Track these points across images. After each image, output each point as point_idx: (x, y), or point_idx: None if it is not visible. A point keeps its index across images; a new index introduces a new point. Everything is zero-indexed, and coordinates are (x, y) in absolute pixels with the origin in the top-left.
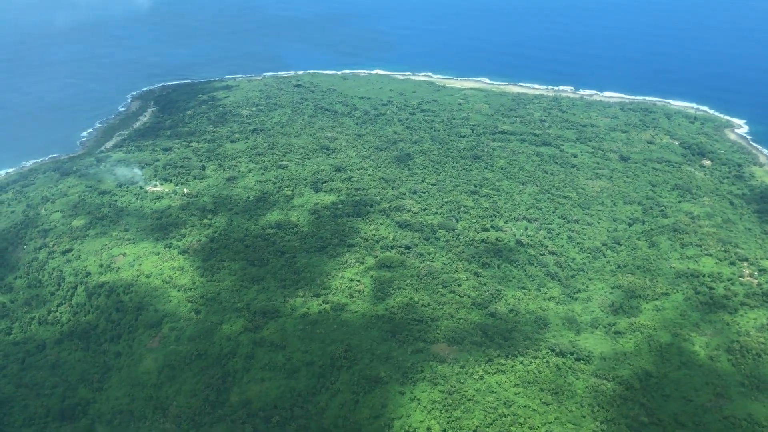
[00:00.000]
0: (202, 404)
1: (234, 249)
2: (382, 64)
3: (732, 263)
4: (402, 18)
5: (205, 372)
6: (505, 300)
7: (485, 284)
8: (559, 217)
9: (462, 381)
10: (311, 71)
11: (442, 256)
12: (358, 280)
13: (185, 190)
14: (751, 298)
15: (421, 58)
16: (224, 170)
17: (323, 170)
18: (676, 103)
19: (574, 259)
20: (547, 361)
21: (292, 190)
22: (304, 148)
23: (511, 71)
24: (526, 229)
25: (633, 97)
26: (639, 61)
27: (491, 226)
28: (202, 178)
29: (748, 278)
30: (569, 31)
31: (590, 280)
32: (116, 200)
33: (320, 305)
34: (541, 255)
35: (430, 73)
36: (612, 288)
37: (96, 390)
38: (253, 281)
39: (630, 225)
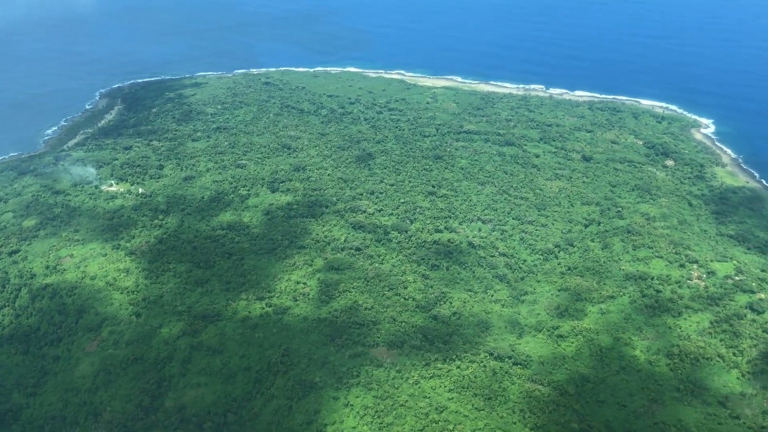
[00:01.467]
0: (136, 410)
1: (182, 250)
2: (355, 62)
3: (682, 265)
4: (380, 16)
5: (141, 377)
6: (450, 303)
7: (432, 286)
8: (513, 218)
9: (397, 386)
10: (283, 69)
11: (393, 257)
12: (304, 283)
13: (140, 190)
14: (696, 301)
15: (395, 56)
16: (182, 170)
17: (282, 170)
18: (646, 103)
19: (525, 260)
20: (485, 366)
21: (249, 190)
22: (265, 147)
23: (484, 70)
24: (480, 230)
25: (603, 96)
26: (611, 61)
27: (445, 228)
28: (158, 178)
29: (697, 281)
30: (544, 30)
31: (538, 282)
32: (70, 200)
33: (263, 309)
34: (492, 257)
35: (402, 71)
36: (559, 290)
37: (30, 395)
38: (197, 284)
39: (586, 226)
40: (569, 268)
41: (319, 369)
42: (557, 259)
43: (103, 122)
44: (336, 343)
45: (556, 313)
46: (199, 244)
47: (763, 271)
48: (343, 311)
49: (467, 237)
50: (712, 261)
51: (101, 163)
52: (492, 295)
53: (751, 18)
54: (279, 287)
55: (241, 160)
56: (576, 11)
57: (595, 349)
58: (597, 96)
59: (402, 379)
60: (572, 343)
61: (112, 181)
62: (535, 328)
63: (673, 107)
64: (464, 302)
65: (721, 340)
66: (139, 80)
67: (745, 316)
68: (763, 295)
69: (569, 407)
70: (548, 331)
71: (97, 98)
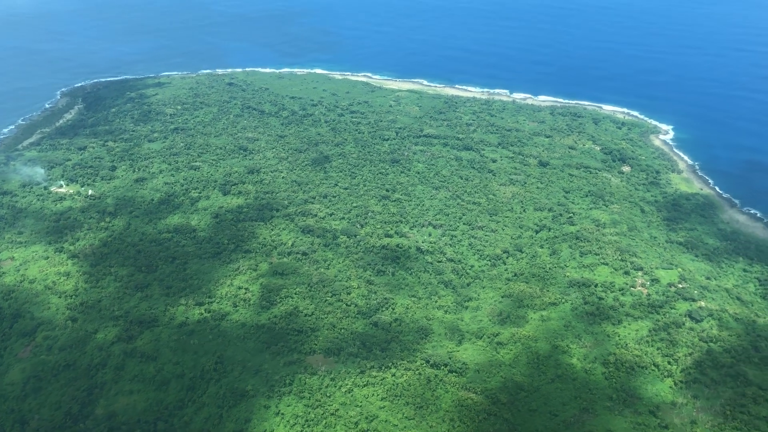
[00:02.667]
0: (64, 418)
1: (125, 254)
2: (323, 64)
3: (626, 273)
4: (350, 18)
5: (72, 383)
6: (393, 309)
7: (375, 292)
8: (464, 224)
9: (329, 394)
10: (250, 69)
11: (339, 262)
12: (246, 288)
13: (90, 192)
14: (637, 308)
15: (363, 58)
16: (134, 171)
17: (236, 172)
18: (609, 108)
19: (472, 266)
20: (420, 373)
21: (200, 193)
22: (221, 148)
23: (450, 74)
24: (430, 235)
25: (566, 101)
26: (578, 66)
27: (395, 232)
28: (110, 179)
29: (640, 288)
30: (514, 35)
31: (483, 288)
32: (17, 201)
33: (201, 314)
34: (439, 262)
35: (369, 74)
36: (503, 297)
37: None
38: (137, 288)
39: (537, 232)
40: (515, 274)
41: (253, 377)
42: (505, 265)
43: (61, 122)
44: (271, 350)
45: (499, 319)
46: (143, 247)
47: (707, 278)
48: (283, 317)
49: (416, 242)
50: (657, 268)
51: (53, 164)
52: (436, 301)
53: (719, 26)
54: (220, 292)
55: (195, 161)
56: (548, 17)
57: (533, 356)
58: (560, 101)
59: (335, 387)
60: (511, 350)
61: (62, 182)
62: (476, 335)
63: (635, 113)
64: (407, 308)
65: (658, 349)
66: (103, 79)
67: (684, 324)
68: (704, 303)
69: (500, 416)
70: (488, 338)
71: (58, 97)
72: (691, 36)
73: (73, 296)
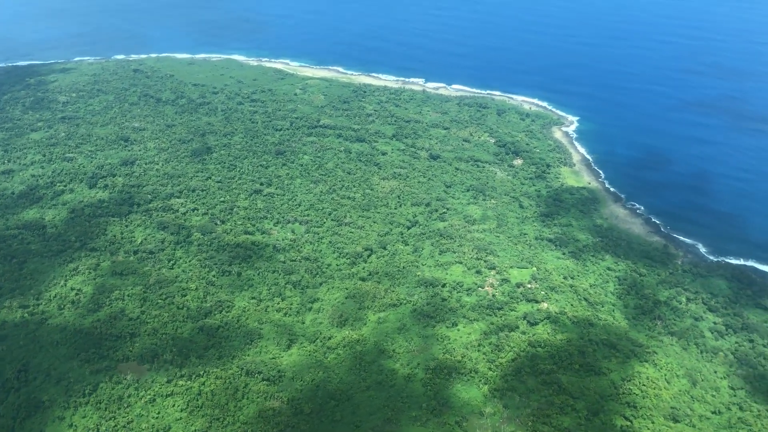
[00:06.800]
0: None
1: None
2: (242, 50)
3: (479, 272)
4: (280, 5)
5: None
6: (228, 311)
7: (214, 294)
8: (332, 220)
9: (129, 404)
10: (162, 54)
11: (186, 262)
12: (79, 289)
13: None
14: (476, 310)
15: (286, 44)
16: (5, 162)
17: (109, 164)
18: (520, 99)
19: (329, 265)
20: (230, 382)
21: (66, 186)
22: (103, 139)
23: (370, 62)
24: (293, 232)
25: (477, 91)
26: (498, 57)
27: (256, 229)
28: None
29: (488, 288)
30: (444, 24)
31: (332, 288)
32: None
33: (22, 317)
34: (293, 261)
35: (288, 60)
36: (346, 298)
37: None
38: None
39: (408, 228)
40: (371, 273)
41: (54, 386)
42: (365, 263)
43: None
44: (81, 357)
45: (339, 321)
46: None
47: (565, 278)
48: (105, 322)
49: (276, 240)
50: (511, 267)
51: None
52: (278, 303)
53: (651, 17)
54: (50, 294)
55: (72, 152)
56: (483, 7)
57: (357, 361)
58: (472, 91)
59: (137, 396)
60: (339, 355)
61: None
62: (309, 339)
63: (544, 104)
64: (243, 311)
65: (484, 354)
66: (11, 64)
67: (518, 327)
68: (546, 305)
69: (298, 428)
70: (321, 341)
71: None
72: (621, 27)
73: None
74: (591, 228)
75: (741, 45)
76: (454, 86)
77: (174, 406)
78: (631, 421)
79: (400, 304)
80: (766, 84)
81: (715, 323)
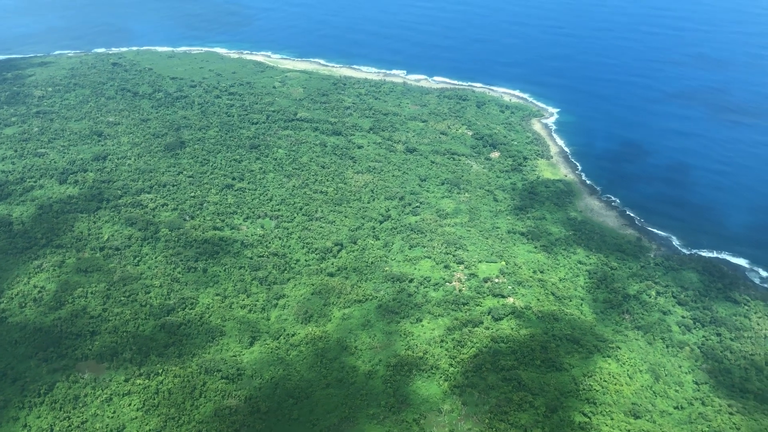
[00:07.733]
0: None
1: None
2: (223, 43)
3: (447, 267)
4: None
5: None
6: (192, 309)
7: (178, 291)
8: (303, 215)
9: (85, 404)
10: (145, 48)
11: (152, 258)
12: (42, 287)
13: None
14: (441, 306)
15: (268, 37)
16: None
17: (81, 159)
18: (501, 90)
19: (298, 260)
20: (188, 381)
21: (36, 182)
22: (76, 134)
23: (352, 54)
24: (263, 227)
25: (458, 83)
26: (483, 48)
27: (225, 225)
28: None
29: (456, 283)
30: (429, 16)
31: (299, 284)
32: None
33: None
34: (260, 257)
35: (269, 53)
36: (312, 294)
37: None
38: None
39: (381, 222)
40: (339, 269)
41: (10, 386)
42: (335, 258)
43: None
44: (39, 356)
45: (303, 318)
46: None
47: (535, 272)
48: (66, 320)
49: (245, 235)
50: (480, 262)
51: None
52: (243, 300)
53: (638, 8)
54: (12, 292)
55: (44, 148)
56: None
57: (319, 359)
58: (453, 83)
59: (94, 396)
60: (301, 352)
61: None
62: (273, 336)
63: (525, 96)
64: (207, 308)
65: (446, 350)
66: None
67: (482, 323)
68: (512, 300)
69: (253, 427)
70: (284, 338)
71: None
72: (606, 18)
73: None
74: (564, 221)
75: (726, 35)
76: (435, 78)
77: (130, 405)
78: (589, 418)
79: (366, 300)
80: (748, 75)
81: (683, 317)
